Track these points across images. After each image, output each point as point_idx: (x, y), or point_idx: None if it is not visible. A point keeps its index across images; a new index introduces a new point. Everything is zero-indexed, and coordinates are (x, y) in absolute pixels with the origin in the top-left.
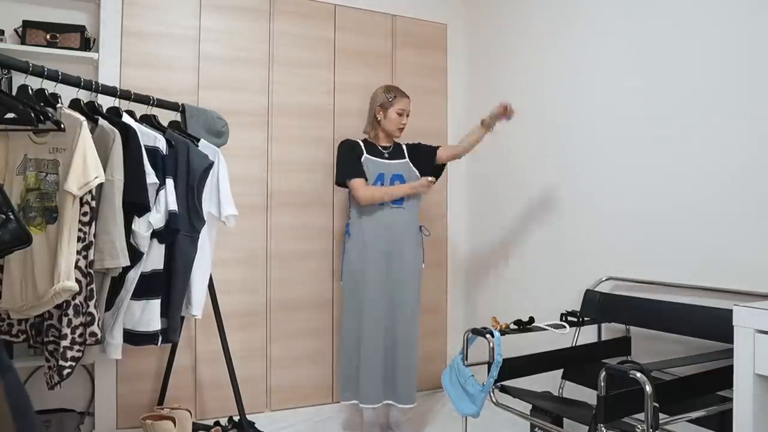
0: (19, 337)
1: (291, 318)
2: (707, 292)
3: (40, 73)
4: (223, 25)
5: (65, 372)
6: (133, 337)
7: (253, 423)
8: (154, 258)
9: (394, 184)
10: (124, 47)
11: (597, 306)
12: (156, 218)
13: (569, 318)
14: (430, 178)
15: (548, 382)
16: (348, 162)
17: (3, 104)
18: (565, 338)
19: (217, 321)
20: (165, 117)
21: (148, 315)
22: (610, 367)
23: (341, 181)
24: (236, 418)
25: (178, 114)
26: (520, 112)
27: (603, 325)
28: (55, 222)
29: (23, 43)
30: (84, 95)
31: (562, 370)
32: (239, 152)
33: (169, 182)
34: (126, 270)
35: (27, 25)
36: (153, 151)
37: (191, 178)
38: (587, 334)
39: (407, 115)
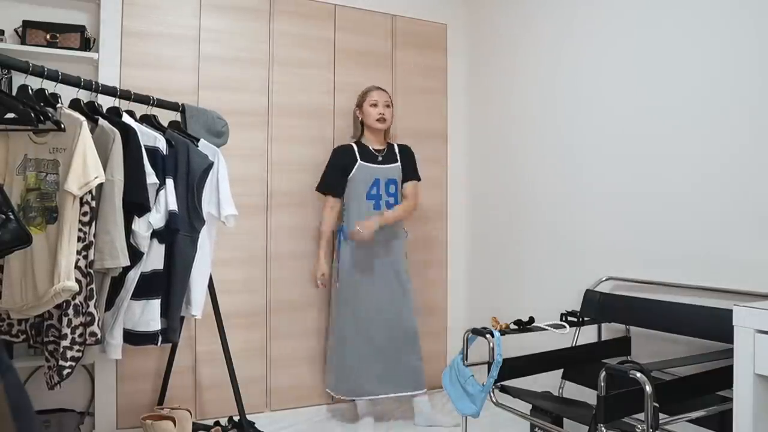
0: (19, 337)
1: (291, 318)
2: (707, 292)
3: (40, 73)
4: (223, 25)
5: (65, 372)
6: (133, 337)
7: (253, 423)
8: (154, 258)
9: (389, 188)
10: (124, 47)
11: (597, 306)
12: (156, 218)
13: (569, 318)
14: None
15: (548, 382)
16: (329, 174)
17: (3, 104)
18: (565, 338)
19: (217, 321)
20: (165, 117)
21: (148, 315)
22: (610, 367)
23: (319, 190)
24: (236, 418)
25: (178, 114)
26: (521, 113)
27: (603, 325)
28: (55, 222)
29: (23, 43)
30: (84, 95)
31: (562, 370)
32: (239, 152)
33: (169, 182)
34: (126, 270)
35: (27, 25)
36: (153, 151)
37: (191, 178)
38: (587, 334)
39: (387, 106)
